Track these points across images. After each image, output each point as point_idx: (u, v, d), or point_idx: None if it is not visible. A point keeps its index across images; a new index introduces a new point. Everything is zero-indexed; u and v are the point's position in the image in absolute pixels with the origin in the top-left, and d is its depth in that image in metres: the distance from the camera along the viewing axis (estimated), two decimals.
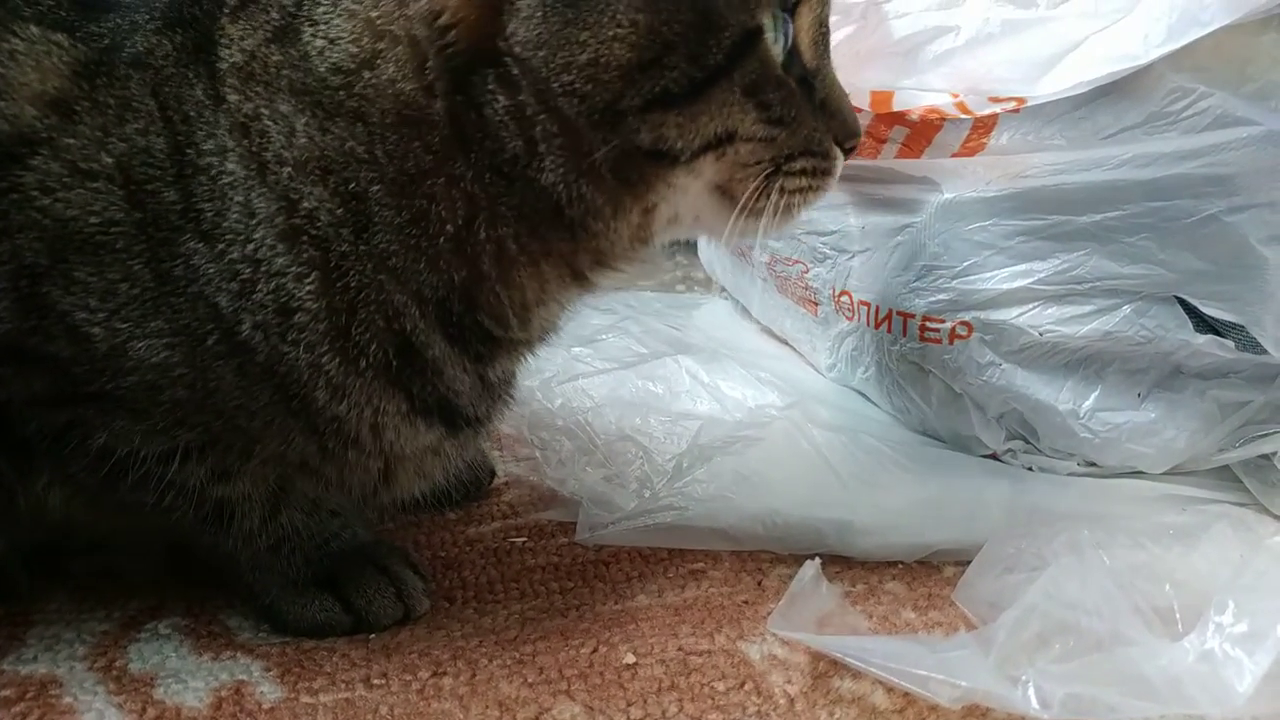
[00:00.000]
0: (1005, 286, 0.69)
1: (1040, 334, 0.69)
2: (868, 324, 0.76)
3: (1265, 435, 0.70)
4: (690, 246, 2.08)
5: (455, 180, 0.46)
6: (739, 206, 0.48)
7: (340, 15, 0.45)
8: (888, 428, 0.77)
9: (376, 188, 0.46)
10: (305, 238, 0.46)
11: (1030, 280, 0.68)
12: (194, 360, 0.47)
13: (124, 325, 0.46)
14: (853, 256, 0.78)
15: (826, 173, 0.50)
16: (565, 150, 0.44)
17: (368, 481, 0.55)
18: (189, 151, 0.46)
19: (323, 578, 0.57)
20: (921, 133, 0.72)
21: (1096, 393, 0.70)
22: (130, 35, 0.48)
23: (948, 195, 0.70)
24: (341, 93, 0.45)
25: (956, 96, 0.66)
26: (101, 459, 0.50)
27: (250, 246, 0.46)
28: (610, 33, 0.41)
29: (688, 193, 0.47)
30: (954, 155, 0.71)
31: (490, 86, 0.43)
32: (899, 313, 0.73)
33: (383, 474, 0.55)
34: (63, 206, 0.46)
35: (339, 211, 0.46)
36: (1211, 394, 0.70)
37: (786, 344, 0.98)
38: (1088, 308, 0.68)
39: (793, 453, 0.71)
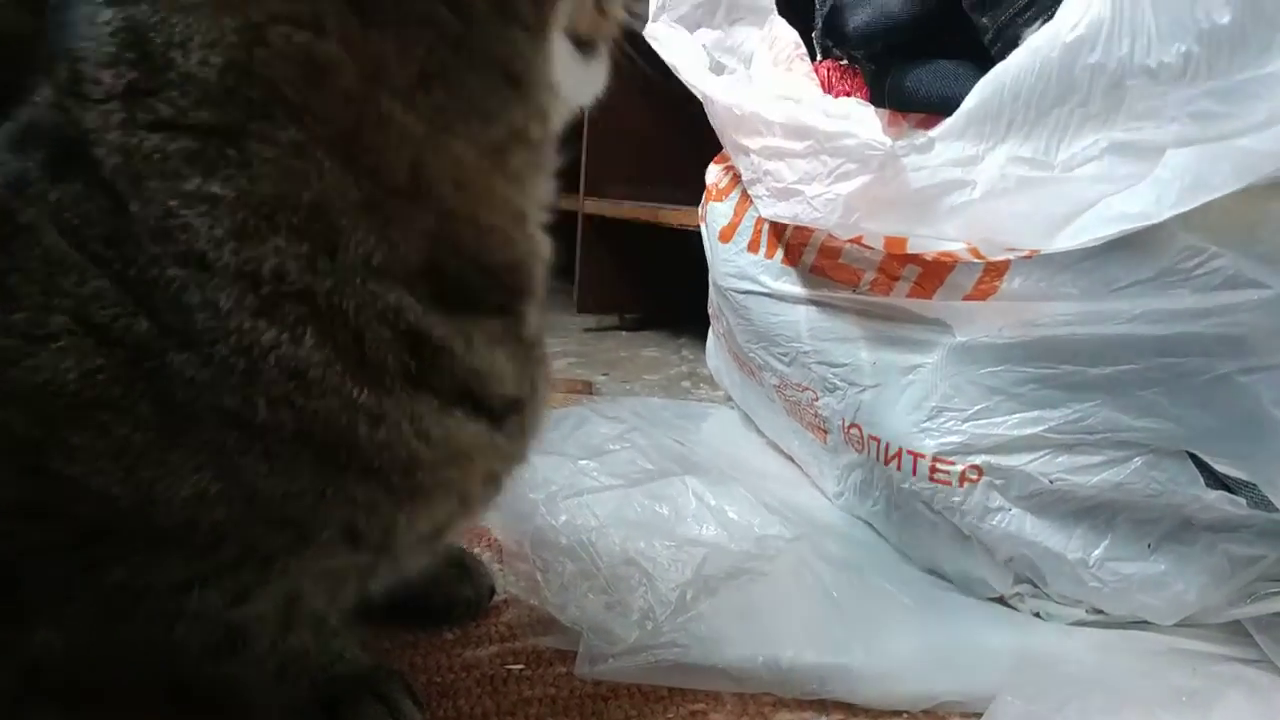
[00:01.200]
0: (1016, 433, 0.69)
1: (1051, 482, 0.69)
2: (877, 459, 0.76)
3: (1277, 593, 0.69)
4: (698, 342, 2.10)
5: (387, 117, 0.43)
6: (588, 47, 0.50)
7: (200, 11, 0.40)
8: (895, 565, 0.77)
9: (329, 175, 0.42)
10: (283, 299, 0.42)
11: (1041, 428, 0.68)
12: (223, 472, 0.44)
13: (147, 473, 0.44)
14: (863, 390, 0.78)
15: None
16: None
17: (444, 511, 0.51)
18: (130, 272, 0.42)
19: (324, 704, 0.56)
20: (934, 272, 0.74)
21: (1106, 542, 0.70)
22: None
23: (961, 339, 0.71)
24: (242, 90, 0.41)
25: (970, 244, 0.68)
26: (112, 596, 0.48)
27: (233, 339, 0.42)
28: None
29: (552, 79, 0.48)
30: (966, 298, 0.72)
31: None
32: (909, 451, 0.73)
33: (458, 489, 0.51)
34: (31, 372, 0.42)
35: (304, 246, 0.42)
36: (1222, 548, 0.69)
37: (793, 460, 0.98)
38: (1098, 458, 0.68)
39: (799, 590, 0.71)
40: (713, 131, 0.94)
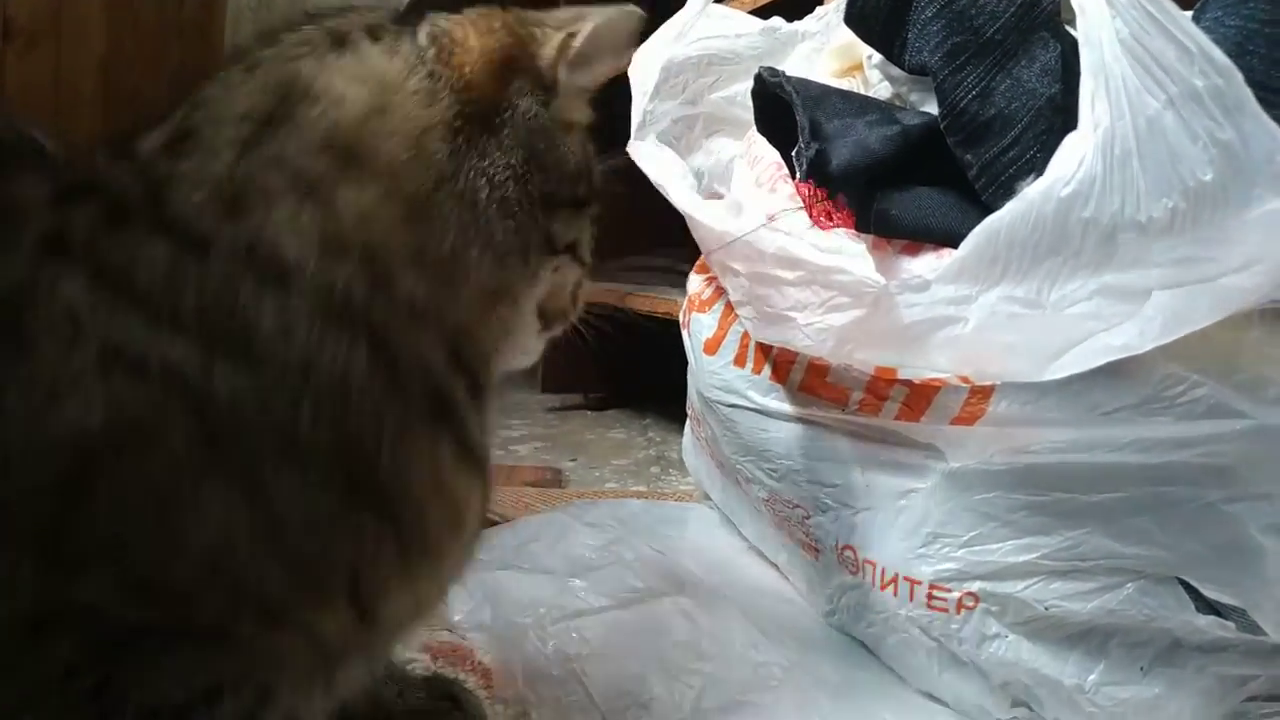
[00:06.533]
0: (1011, 560, 0.69)
1: (1046, 608, 0.69)
2: (873, 584, 0.76)
3: (1269, 715, 0.70)
4: (663, 422, 2.09)
5: (455, 196, 0.51)
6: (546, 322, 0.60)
7: (348, 80, 0.49)
8: (892, 689, 0.76)
9: (392, 223, 0.48)
10: (346, 317, 0.46)
11: (1035, 555, 0.69)
12: (253, 499, 0.44)
13: (178, 512, 0.43)
14: (857, 513, 0.78)
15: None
16: (529, 207, 0.54)
17: (427, 586, 0.52)
18: (178, 303, 0.43)
19: None
20: (921, 394, 0.75)
21: (1101, 667, 0.70)
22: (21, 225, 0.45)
23: (953, 465, 0.72)
24: (337, 139, 0.48)
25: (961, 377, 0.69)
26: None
27: (296, 351, 0.44)
28: (566, 150, 0.56)
29: (533, 297, 0.57)
30: (954, 420, 0.73)
31: (491, 143, 0.52)
32: (906, 578, 0.73)
33: (465, 545, 0.53)
34: (56, 425, 0.41)
35: (368, 277, 0.47)
36: (1212, 670, 0.70)
37: (777, 567, 0.97)
38: (1092, 584, 0.68)
39: None
40: (676, 215, 0.92)
